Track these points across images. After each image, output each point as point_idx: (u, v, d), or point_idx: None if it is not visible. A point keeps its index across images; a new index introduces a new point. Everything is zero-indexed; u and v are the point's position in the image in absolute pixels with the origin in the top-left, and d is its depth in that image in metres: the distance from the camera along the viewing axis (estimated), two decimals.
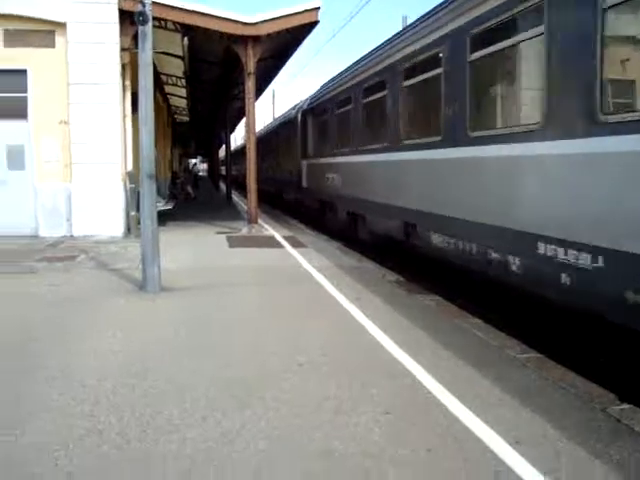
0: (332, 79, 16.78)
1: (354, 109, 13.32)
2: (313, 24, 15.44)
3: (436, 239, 8.80)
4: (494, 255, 7.11)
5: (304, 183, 19.53)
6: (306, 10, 15.11)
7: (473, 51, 7.69)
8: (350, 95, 13.68)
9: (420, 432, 4.08)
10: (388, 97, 10.98)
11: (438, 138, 8.69)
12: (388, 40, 11.67)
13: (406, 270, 10.40)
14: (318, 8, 15.08)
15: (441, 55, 8.61)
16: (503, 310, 7.71)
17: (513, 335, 6.63)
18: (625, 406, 4.68)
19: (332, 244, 13.97)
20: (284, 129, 24.10)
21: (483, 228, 7.33)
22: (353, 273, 9.98)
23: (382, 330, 6.49)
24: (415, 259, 10.55)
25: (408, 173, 10.04)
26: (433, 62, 8.96)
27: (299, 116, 20.38)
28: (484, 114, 8.03)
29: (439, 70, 8.71)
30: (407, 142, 10.05)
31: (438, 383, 4.96)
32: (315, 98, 18.49)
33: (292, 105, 24.89)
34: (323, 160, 16.50)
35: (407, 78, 10.12)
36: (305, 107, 19.77)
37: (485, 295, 8.21)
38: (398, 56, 10.48)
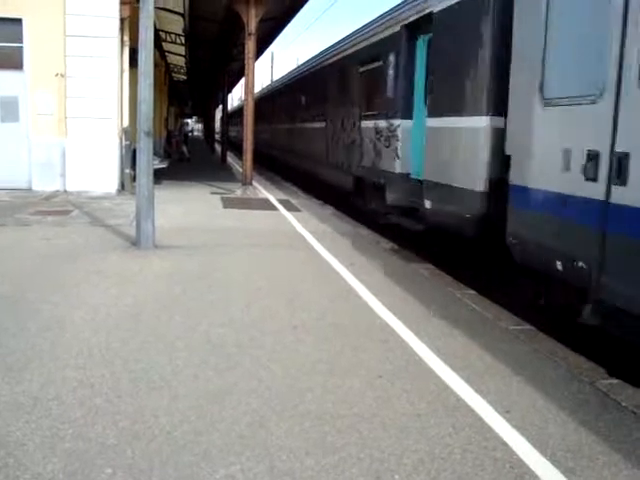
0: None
1: None
2: None
3: None
4: None
5: None
6: None
7: None
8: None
9: (411, 398, 4.10)
10: None
11: None
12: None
13: (400, 238, 10.39)
14: None
15: None
16: (496, 281, 7.73)
17: (506, 307, 6.66)
18: (614, 381, 4.72)
19: (326, 209, 13.93)
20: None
21: None
22: (347, 238, 9.97)
23: (375, 296, 6.50)
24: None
25: None
26: None
27: None
28: None
29: None
30: None
31: (430, 351, 4.98)
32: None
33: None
34: None
35: None
36: None
37: (479, 266, 8.21)
38: None
